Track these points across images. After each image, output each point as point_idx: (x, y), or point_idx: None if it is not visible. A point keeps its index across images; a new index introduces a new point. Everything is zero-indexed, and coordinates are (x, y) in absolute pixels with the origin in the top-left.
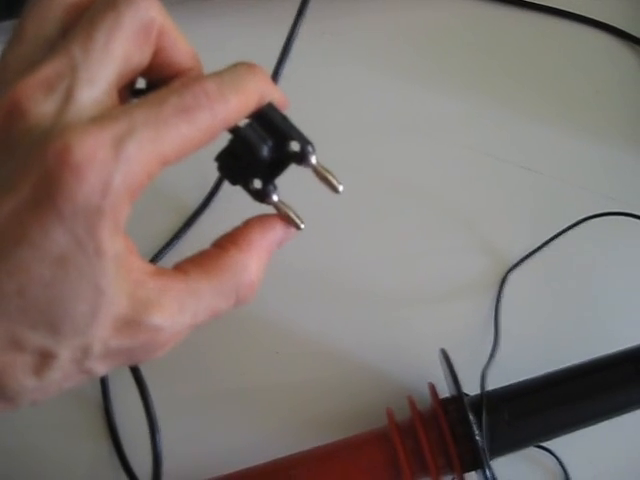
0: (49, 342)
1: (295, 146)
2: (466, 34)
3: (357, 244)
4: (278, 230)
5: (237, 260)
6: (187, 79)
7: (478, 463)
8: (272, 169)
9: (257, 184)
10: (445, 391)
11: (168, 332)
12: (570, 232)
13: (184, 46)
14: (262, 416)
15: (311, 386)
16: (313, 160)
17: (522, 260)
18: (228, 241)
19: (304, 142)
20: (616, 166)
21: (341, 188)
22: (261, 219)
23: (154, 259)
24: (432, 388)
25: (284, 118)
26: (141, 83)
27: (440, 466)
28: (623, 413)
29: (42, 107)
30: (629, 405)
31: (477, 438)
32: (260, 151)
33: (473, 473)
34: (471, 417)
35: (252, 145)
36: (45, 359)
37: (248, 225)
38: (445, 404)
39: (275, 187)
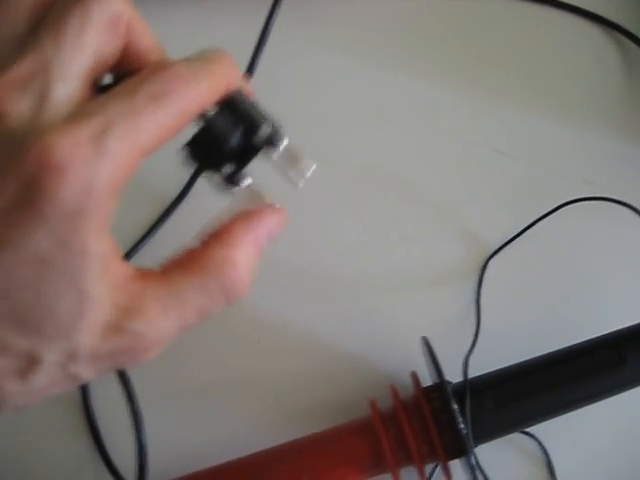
0: (34, 345)
1: (266, 130)
2: (439, 19)
3: (337, 233)
4: (264, 221)
5: (220, 256)
6: (155, 66)
7: (462, 451)
8: (242, 156)
9: (228, 170)
10: (428, 379)
11: (152, 337)
12: (550, 218)
13: (151, 38)
14: (244, 407)
15: (293, 376)
16: (285, 142)
17: (502, 246)
18: (211, 236)
19: (274, 126)
20: (595, 151)
21: (309, 173)
22: (246, 212)
23: (132, 251)
24: (414, 377)
25: (253, 104)
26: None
27: (424, 454)
28: (605, 398)
29: (18, 108)
30: (611, 390)
31: (460, 426)
32: (230, 138)
33: (457, 459)
34: (454, 405)
35: (222, 132)
36: (30, 363)
37: (232, 219)
38: (428, 392)
39: (245, 175)
